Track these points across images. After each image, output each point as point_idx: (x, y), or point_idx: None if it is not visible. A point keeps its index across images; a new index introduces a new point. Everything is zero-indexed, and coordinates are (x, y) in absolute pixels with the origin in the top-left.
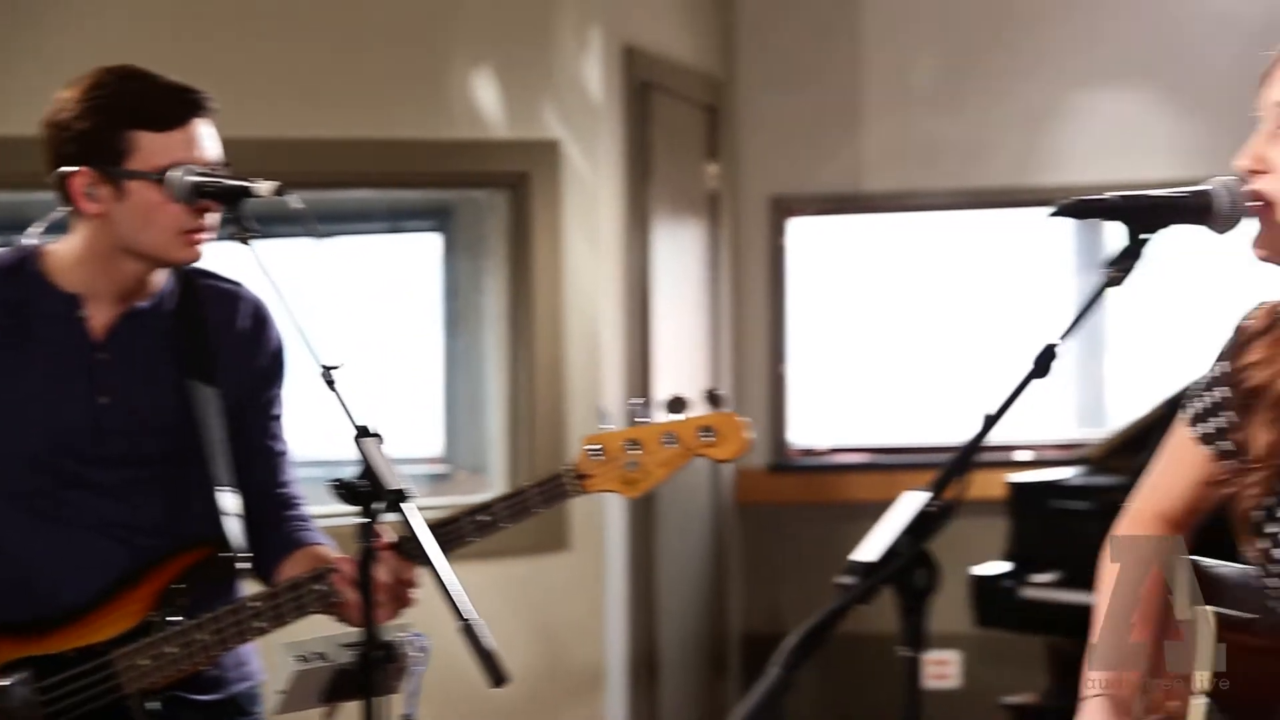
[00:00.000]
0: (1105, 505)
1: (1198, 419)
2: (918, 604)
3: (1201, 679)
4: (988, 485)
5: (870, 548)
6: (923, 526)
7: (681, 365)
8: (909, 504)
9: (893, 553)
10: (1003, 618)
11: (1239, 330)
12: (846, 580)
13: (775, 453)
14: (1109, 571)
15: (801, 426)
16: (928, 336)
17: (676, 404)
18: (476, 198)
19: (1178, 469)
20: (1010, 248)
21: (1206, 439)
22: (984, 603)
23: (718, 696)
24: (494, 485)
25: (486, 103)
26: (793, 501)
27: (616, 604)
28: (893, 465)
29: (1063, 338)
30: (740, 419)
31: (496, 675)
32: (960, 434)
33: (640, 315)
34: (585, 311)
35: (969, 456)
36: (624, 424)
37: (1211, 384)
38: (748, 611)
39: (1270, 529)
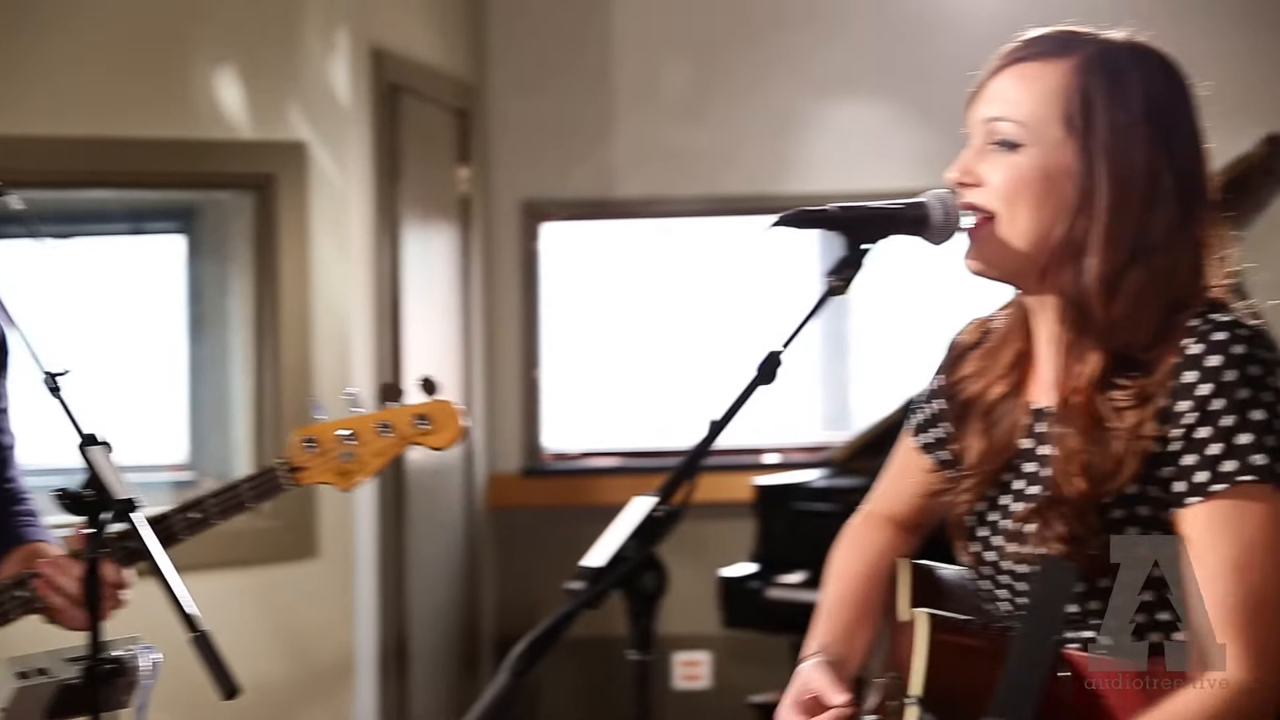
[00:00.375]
0: (849, 506)
1: (919, 429)
2: (646, 608)
3: (916, 678)
4: (735, 488)
5: (598, 553)
6: (650, 531)
7: (433, 369)
8: (637, 509)
9: (620, 557)
10: (751, 618)
11: (953, 345)
12: (575, 585)
13: (528, 457)
14: (837, 560)
15: (554, 431)
16: (679, 341)
17: (391, 392)
18: (221, 199)
19: (903, 476)
20: (758, 254)
21: (927, 448)
22: (732, 604)
23: (469, 699)
24: None
25: (230, 103)
26: (545, 505)
27: (367, 610)
28: (645, 469)
29: (785, 345)
30: (456, 406)
31: (228, 686)
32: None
33: (391, 319)
34: (334, 315)
35: (696, 461)
36: (340, 415)
37: (930, 397)
38: (500, 615)
39: (981, 533)
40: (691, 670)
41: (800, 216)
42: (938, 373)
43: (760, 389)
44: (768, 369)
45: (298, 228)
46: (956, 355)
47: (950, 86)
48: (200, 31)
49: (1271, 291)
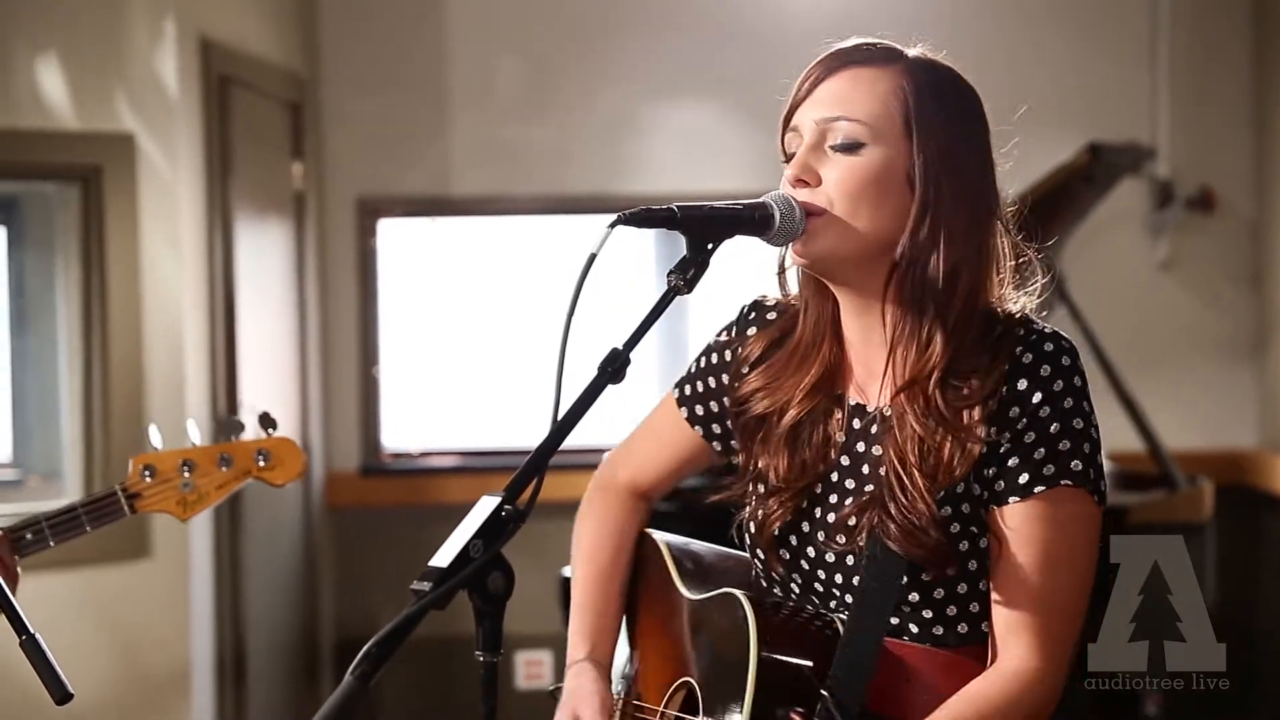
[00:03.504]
0: (690, 505)
1: (690, 400)
2: (494, 608)
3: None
4: (576, 487)
5: (444, 553)
6: (496, 530)
7: (269, 367)
8: (483, 508)
9: (466, 557)
10: None
11: (735, 357)
12: (421, 586)
13: (367, 455)
14: (584, 536)
15: (393, 429)
16: (520, 339)
17: (234, 426)
18: (45, 191)
19: (664, 446)
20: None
21: (696, 421)
22: None
23: (310, 703)
24: (69, 490)
25: (54, 92)
26: (384, 504)
27: (203, 612)
28: (485, 468)
29: (627, 345)
30: (297, 445)
31: (60, 691)
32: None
33: (225, 315)
34: (166, 310)
35: (542, 461)
36: (179, 442)
37: (710, 380)
38: (340, 615)
39: (794, 542)
40: (534, 670)
41: (642, 216)
42: (721, 368)
43: (609, 388)
44: (618, 369)
45: (126, 221)
46: (744, 362)
47: (780, 89)
48: (21, 18)
49: (1092, 296)
